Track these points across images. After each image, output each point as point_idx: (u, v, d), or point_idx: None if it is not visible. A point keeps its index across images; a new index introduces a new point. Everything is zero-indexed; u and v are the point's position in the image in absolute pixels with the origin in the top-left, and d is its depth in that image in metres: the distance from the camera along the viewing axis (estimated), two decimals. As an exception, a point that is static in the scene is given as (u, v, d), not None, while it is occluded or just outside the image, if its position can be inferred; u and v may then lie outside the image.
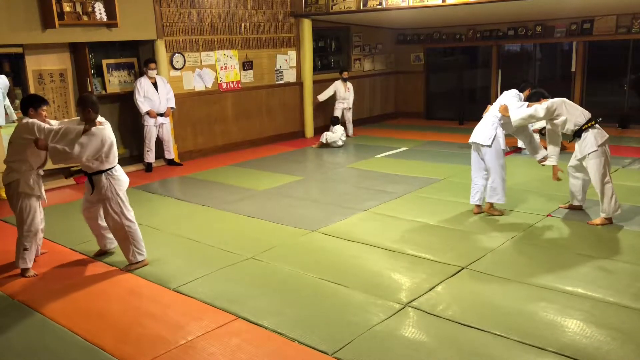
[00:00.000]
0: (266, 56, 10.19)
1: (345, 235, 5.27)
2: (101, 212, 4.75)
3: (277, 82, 10.46)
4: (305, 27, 10.40)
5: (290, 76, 10.65)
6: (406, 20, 11.14)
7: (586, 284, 4.08)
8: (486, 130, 5.57)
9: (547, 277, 4.22)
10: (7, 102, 7.03)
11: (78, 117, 4.62)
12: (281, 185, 7.25)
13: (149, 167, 8.52)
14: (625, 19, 9.89)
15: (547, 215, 5.59)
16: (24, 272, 4.61)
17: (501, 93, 5.94)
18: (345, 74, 10.74)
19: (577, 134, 5.21)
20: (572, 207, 5.70)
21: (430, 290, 4.06)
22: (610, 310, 3.69)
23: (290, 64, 10.61)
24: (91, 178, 4.58)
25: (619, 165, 7.54)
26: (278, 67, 10.42)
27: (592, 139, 5.12)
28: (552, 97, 5.41)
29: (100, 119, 4.57)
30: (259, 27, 9.98)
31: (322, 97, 10.70)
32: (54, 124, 4.58)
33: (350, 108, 10.87)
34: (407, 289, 4.11)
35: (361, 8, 9.41)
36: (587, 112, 5.27)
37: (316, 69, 11.06)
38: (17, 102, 7.31)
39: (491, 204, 5.71)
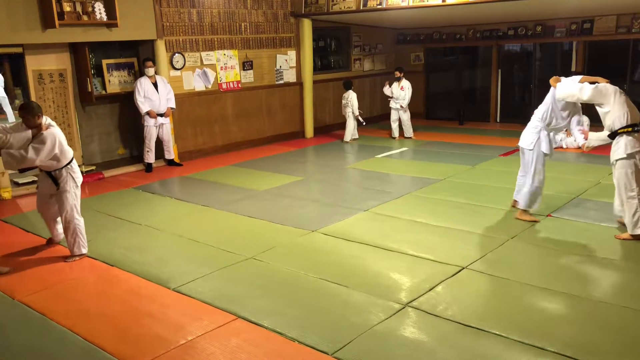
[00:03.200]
0: (266, 56, 10.19)
1: (345, 235, 5.27)
2: (56, 207, 4.95)
3: (277, 82, 10.45)
4: (305, 27, 10.40)
5: (290, 76, 10.65)
6: (406, 20, 11.13)
7: (586, 284, 4.09)
8: (529, 134, 5.44)
9: (547, 277, 4.21)
10: (3, 94, 6.89)
11: (19, 122, 4.64)
12: (281, 186, 7.25)
13: (149, 168, 8.52)
14: (625, 19, 9.89)
15: (548, 215, 5.59)
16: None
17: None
18: (397, 74, 10.24)
19: (613, 135, 4.83)
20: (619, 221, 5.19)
21: (430, 290, 4.06)
22: (611, 310, 3.68)
23: (290, 64, 10.61)
24: (52, 174, 4.76)
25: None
26: (278, 67, 10.42)
27: (622, 145, 4.72)
28: None
29: (45, 120, 4.65)
30: (259, 27, 9.98)
31: (386, 90, 10.34)
32: None
33: (405, 109, 10.27)
34: (407, 289, 4.11)
35: (361, 8, 9.40)
36: (637, 116, 4.73)
37: (316, 69, 11.05)
38: (17, 102, 7.29)
39: (522, 210, 5.51)
